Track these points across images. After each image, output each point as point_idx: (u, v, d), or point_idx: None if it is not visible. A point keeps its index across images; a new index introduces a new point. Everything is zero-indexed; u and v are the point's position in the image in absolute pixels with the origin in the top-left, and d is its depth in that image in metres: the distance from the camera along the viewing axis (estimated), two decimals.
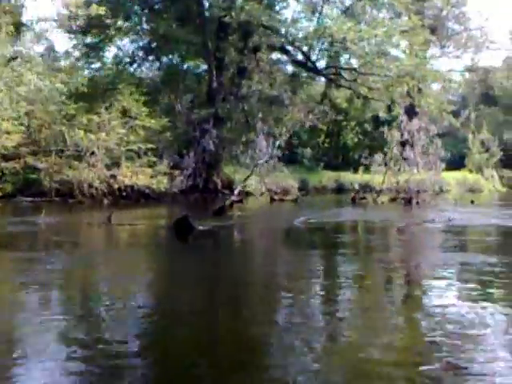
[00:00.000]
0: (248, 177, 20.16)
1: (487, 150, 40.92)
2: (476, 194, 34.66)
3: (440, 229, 11.13)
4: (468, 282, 5.49)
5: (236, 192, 17.56)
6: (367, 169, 22.76)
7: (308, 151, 31.40)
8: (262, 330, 3.71)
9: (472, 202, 20.86)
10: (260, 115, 20.35)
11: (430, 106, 25.69)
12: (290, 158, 31.05)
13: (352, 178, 28.39)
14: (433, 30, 36.18)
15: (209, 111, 20.35)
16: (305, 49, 24.07)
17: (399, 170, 21.30)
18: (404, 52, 23.09)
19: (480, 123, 42.04)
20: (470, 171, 39.10)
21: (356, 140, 34.31)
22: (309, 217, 11.09)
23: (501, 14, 64.24)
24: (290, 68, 28.98)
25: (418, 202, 19.10)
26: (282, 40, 22.32)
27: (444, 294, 4.96)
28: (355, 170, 27.76)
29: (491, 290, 5.06)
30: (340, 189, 30.00)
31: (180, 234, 8.88)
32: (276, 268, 6.49)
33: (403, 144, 21.45)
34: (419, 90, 25.34)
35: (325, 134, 35.17)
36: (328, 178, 29.38)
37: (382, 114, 33.49)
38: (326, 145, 34.96)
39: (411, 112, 26.54)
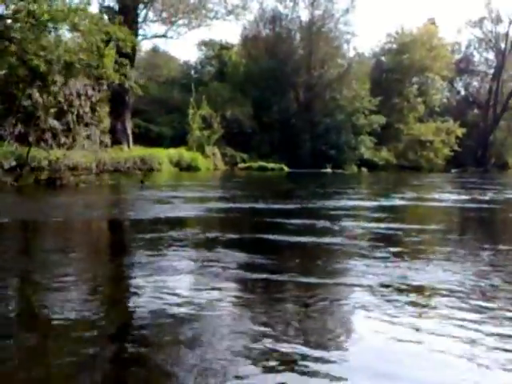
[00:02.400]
0: None
1: (210, 127, 38.97)
2: (191, 173, 32.26)
3: None
4: None
5: None
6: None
7: None
8: None
9: (142, 182, 17.41)
10: None
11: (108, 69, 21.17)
12: None
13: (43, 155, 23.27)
14: None
15: None
16: None
17: (59, 143, 16.92)
18: None
19: (205, 99, 39.89)
20: (190, 148, 36.62)
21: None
22: None
23: None
24: None
25: (62, 185, 14.92)
26: None
27: None
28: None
29: None
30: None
31: None
32: None
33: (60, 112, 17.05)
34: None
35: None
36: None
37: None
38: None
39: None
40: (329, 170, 43.13)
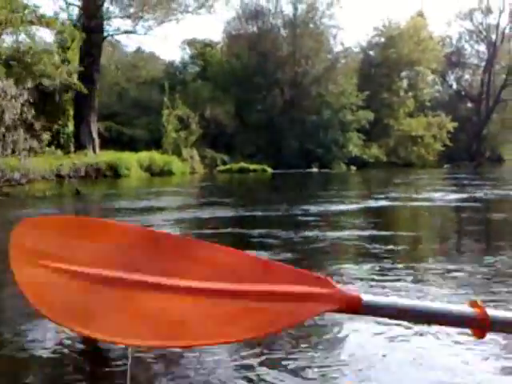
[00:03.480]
0: None
1: (186, 128, 37.13)
2: (163, 178, 30.43)
3: None
4: None
5: None
6: None
7: None
8: None
9: (78, 192, 15.57)
10: None
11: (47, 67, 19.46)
12: None
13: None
14: None
15: None
16: None
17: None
18: None
19: (182, 98, 38.08)
20: (165, 151, 34.78)
21: None
22: None
23: None
24: None
25: None
26: None
27: None
28: None
29: None
30: None
31: None
32: None
33: None
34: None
35: None
36: None
37: None
38: None
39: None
40: (315, 170, 41.32)
